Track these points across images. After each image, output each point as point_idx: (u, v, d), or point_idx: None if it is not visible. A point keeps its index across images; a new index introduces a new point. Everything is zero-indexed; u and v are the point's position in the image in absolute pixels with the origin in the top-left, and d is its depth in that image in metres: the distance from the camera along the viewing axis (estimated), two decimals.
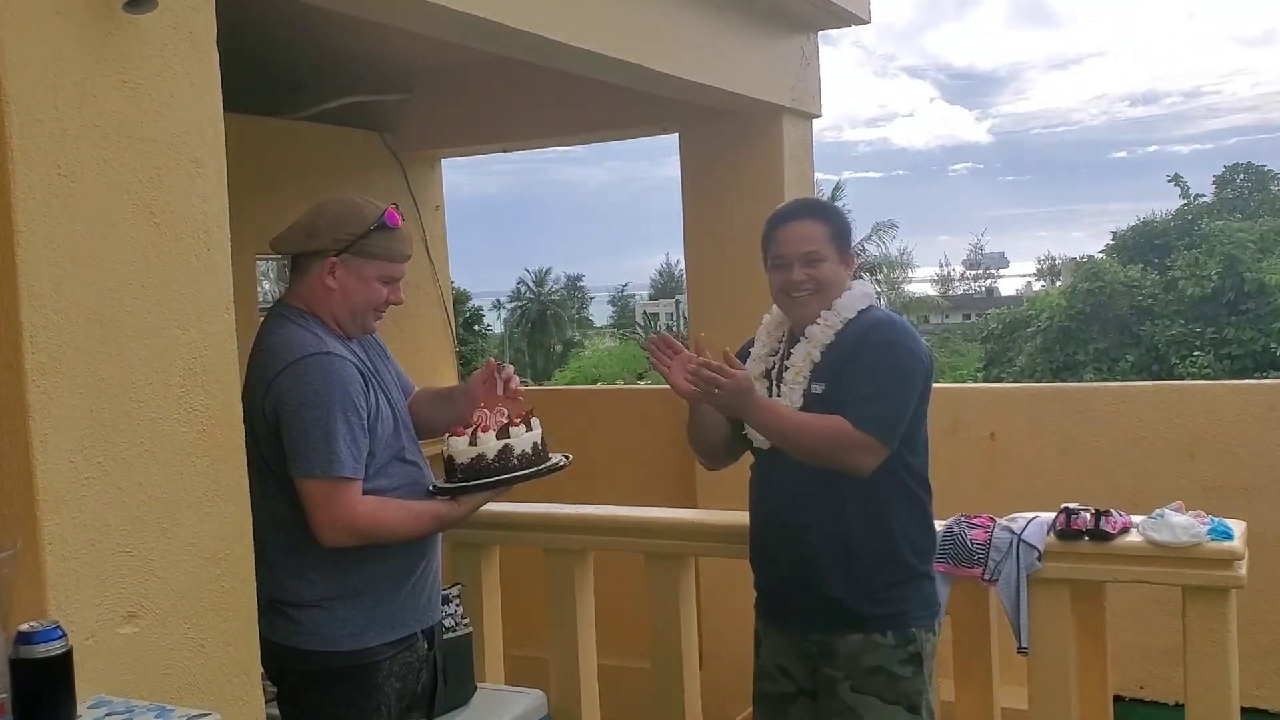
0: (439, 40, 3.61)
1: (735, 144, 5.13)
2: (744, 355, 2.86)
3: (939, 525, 3.13)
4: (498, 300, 58.00)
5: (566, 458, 2.68)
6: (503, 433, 2.57)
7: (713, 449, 2.94)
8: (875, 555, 2.66)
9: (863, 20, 5.15)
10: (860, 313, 2.71)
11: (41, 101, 1.84)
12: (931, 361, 2.75)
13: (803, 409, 2.65)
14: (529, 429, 2.61)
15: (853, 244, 2.87)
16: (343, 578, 2.46)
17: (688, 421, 2.89)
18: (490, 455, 2.55)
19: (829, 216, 2.81)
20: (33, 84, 1.83)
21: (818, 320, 2.71)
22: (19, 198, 1.81)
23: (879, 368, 2.63)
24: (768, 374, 2.80)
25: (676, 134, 5.42)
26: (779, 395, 2.72)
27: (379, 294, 2.52)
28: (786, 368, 2.73)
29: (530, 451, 2.59)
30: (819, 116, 5.28)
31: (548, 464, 2.62)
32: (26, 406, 1.82)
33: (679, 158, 5.38)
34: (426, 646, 2.64)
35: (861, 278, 2.88)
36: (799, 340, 2.74)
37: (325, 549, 2.41)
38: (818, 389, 2.65)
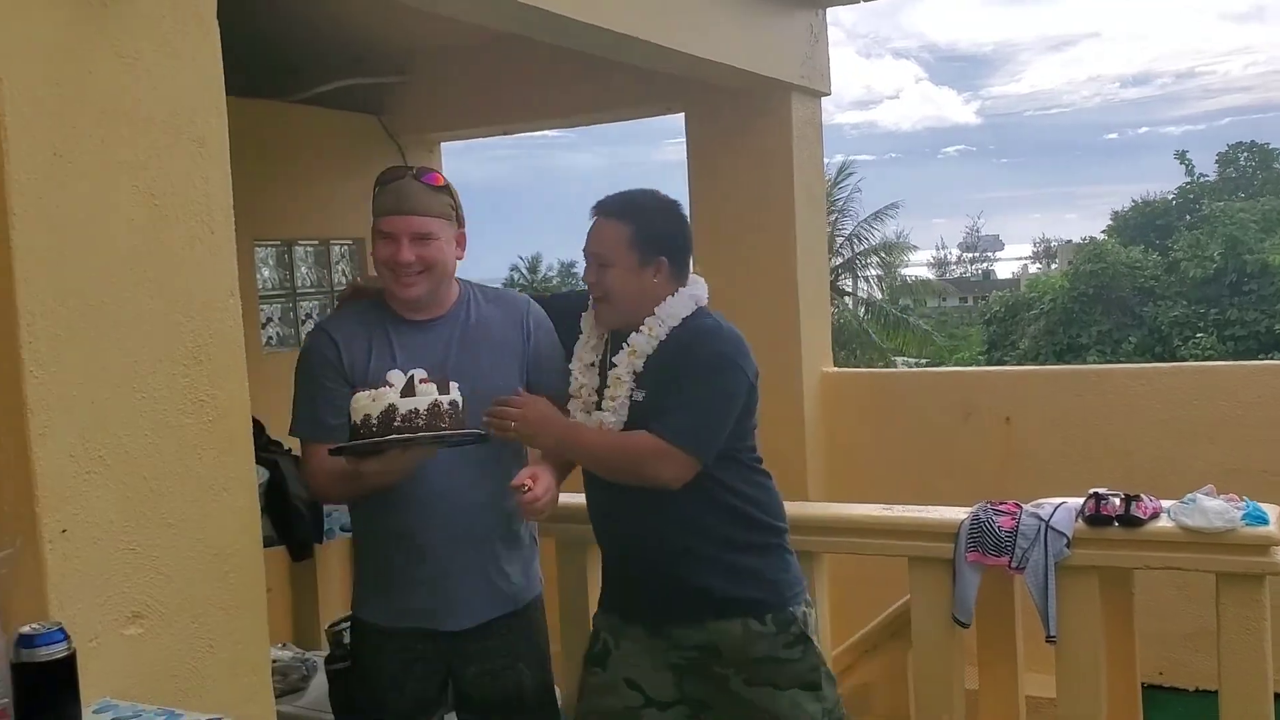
0: (437, 21, 3.52)
1: (743, 123, 5.04)
2: (571, 339, 2.66)
3: (963, 513, 3.07)
4: None
5: (480, 433, 2.30)
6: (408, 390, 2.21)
7: None
8: (724, 537, 2.52)
9: None
10: (685, 320, 2.53)
11: (38, 78, 1.76)
12: (757, 376, 2.55)
13: (628, 417, 2.49)
14: (444, 392, 2.21)
15: (675, 244, 2.56)
16: None
17: None
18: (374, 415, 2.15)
19: (634, 217, 2.52)
20: (28, 60, 1.75)
21: (641, 329, 2.52)
22: (14, 179, 1.73)
23: (698, 379, 2.46)
24: (592, 365, 2.61)
25: (681, 114, 5.33)
26: (602, 403, 2.54)
27: (381, 251, 2.42)
28: (609, 376, 2.55)
29: (418, 414, 2.17)
30: (828, 94, 5.18)
31: (447, 433, 2.20)
32: (24, 398, 1.75)
33: (685, 138, 5.29)
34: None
35: (697, 278, 2.61)
36: (622, 346, 2.54)
37: None
38: (639, 396, 2.50)
